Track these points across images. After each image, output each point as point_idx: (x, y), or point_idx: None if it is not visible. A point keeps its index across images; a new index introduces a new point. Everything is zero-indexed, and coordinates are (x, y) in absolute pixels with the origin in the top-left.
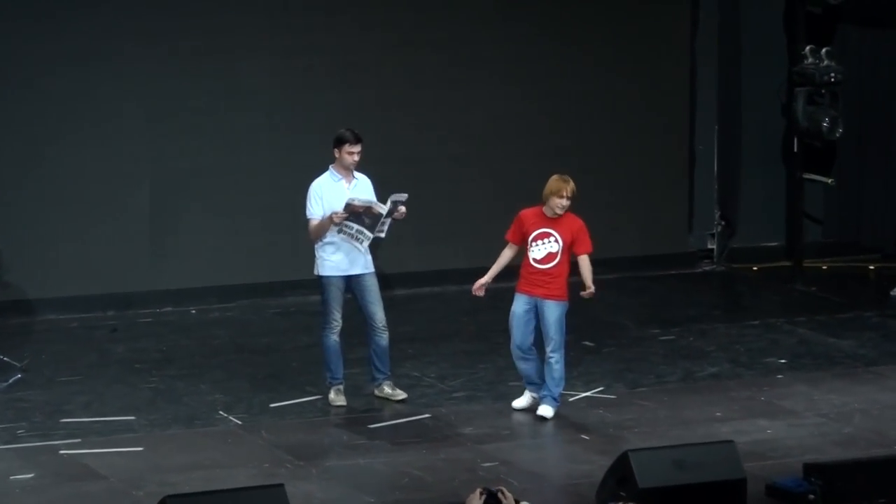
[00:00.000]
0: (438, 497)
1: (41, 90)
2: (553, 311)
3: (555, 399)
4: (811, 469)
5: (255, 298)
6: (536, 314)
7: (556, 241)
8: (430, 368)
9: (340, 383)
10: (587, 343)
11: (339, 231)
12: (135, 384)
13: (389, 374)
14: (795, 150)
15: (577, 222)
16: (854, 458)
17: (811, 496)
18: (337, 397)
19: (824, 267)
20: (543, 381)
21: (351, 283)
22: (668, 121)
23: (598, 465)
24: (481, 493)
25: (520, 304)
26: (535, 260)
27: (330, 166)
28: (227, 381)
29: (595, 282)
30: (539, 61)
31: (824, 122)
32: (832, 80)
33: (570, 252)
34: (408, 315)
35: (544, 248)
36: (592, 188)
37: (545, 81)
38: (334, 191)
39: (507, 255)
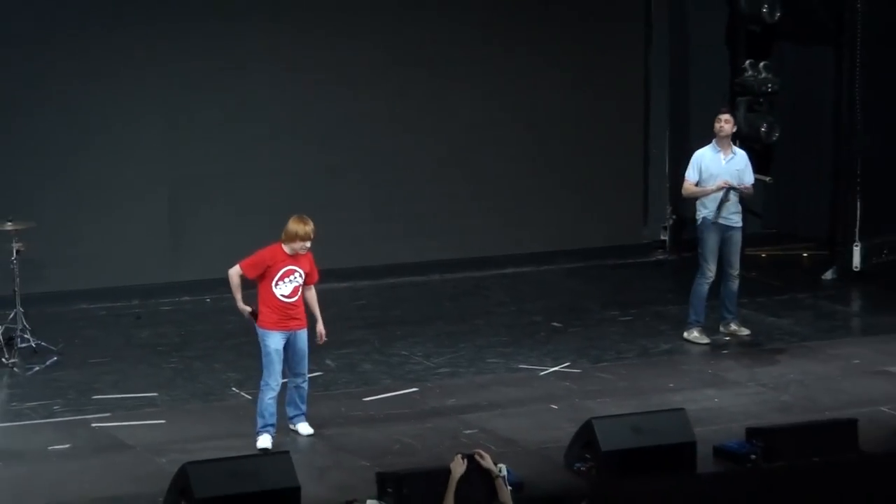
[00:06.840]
0: (426, 461)
1: (71, 103)
2: (305, 339)
3: (305, 415)
4: (753, 433)
5: None
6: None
7: (300, 275)
8: (417, 348)
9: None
10: (555, 324)
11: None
12: (157, 364)
13: (735, 315)
14: None
15: (308, 255)
16: (790, 423)
17: (753, 456)
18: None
19: (763, 255)
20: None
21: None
22: (625, 128)
23: (565, 432)
24: (462, 458)
25: (277, 341)
26: (283, 296)
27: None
28: (238, 360)
29: (564, 270)
30: (512, 76)
31: (762, 126)
32: (769, 89)
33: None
34: (396, 301)
35: (291, 283)
36: (560, 187)
37: (519, 94)
38: (713, 161)
39: (238, 281)
